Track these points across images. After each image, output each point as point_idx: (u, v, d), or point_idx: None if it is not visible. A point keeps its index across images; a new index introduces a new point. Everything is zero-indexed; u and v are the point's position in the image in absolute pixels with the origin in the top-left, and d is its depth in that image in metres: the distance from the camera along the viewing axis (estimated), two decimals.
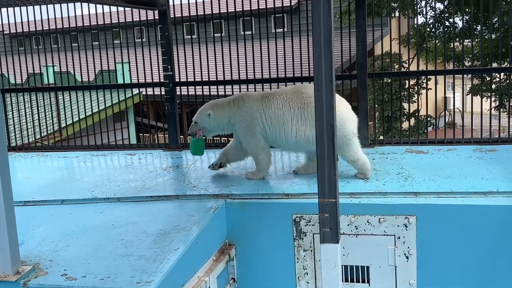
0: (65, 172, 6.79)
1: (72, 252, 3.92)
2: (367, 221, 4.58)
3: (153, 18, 7.93)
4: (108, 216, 4.73)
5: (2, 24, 8.81)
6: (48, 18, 8.39)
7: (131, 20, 8.41)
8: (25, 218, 4.75)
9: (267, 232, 4.80)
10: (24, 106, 8.57)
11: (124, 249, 3.90)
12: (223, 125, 5.63)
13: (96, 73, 8.71)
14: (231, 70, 7.64)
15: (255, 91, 7.64)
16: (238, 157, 5.90)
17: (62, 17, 8.45)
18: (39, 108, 8.80)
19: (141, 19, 8.12)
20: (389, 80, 9.22)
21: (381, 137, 9.09)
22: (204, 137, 5.75)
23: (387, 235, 4.56)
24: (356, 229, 4.61)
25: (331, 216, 3.38)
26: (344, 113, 5.25)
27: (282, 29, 7.55)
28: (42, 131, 8.94)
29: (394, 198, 4.68)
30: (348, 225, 4.61)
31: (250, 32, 8.03)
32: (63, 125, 10.48)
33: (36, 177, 6.49)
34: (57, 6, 8.56)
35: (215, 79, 7.81)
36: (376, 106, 12.65)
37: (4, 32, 10.02)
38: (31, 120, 9.18)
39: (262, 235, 4.81)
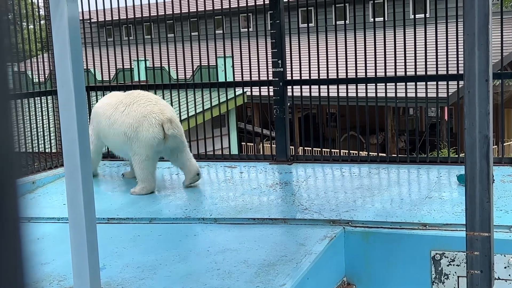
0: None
1: (159, 281, 4.08)
2: None
3: (262, 2, 8.10)
4: (202, 240, 4.87)
5: (90, 11, 9.41)
6: (141, 4, 8.86)
7: (236, 5, 8.65)
8: (108, 237, 5.02)
9: (397, 271, 4.70)
10: None
11: (221, 281, 3.99)
12: None
13: (194, 69, 9.05)
14: (355, 66, 7.60)
15: (385, 92, 7.54)
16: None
17: (156, 3, 8.90)
18: None
19: (248, 4, 8.33)
20: None
21: None
22: None
23: None
24: None
25: (482, 255, 3.24)
26: (148, 130, 6.23)
27: (423, 15, 7.38)
28: None
29: None
30: (505, 267, 4.39)
31: (381, 19, 7.94)
32: None
33: (122, 190, 6.85)
34: None
35: (336, 77, 7.80)
36: None
37: (91, 21, 10.71)
38: None
39: (391, 275, 4.71)
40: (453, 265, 4.53)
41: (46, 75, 8.64)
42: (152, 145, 6.24)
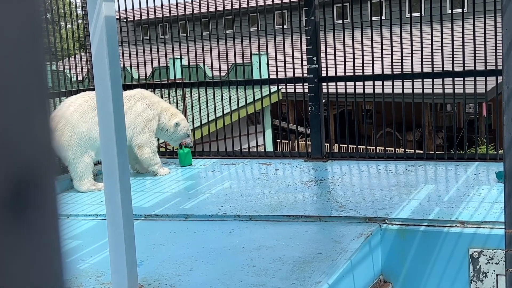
0: (191, 183, 7.15)
1: (196, 277, 4.11)
2: None
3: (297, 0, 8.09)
4: (238, 237, 4.88)
5: (126, 10, 9.51)
6: (177, 2, 8.93)
7: (270, 2, 8.65)
8: (145, 234, 5.08)
9: (434, 269, 4.65)
10: None
11: (256, 277, 4.00)
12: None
13: (229, 66, 9.08)
14: (391, 62, 7.53)
15: (422, 88, 7.46)
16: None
17: (192, 1, 8.94)
18: None
19: (283, 1, 8.31)
20: None
21: None
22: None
23: None
24: None
25: None
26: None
27: (460, 9, 7.27)
28: None
29: None
30: None
31: (417, 14, 7.85)
32: (189, 126, 11.09)
33: (158, 188, 6.92)
34: None
35: (371, 73, 7.74)
36: None
37: (128, 20, 10.82)
38: None
39: (428, 274, 4.66)
40: (492, 263, 4.46)
41: (84, 74, 8.76)
42: None
